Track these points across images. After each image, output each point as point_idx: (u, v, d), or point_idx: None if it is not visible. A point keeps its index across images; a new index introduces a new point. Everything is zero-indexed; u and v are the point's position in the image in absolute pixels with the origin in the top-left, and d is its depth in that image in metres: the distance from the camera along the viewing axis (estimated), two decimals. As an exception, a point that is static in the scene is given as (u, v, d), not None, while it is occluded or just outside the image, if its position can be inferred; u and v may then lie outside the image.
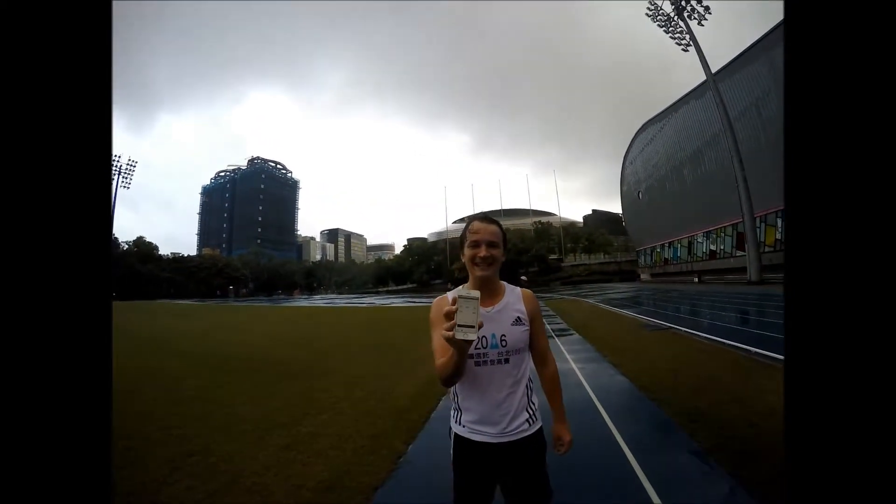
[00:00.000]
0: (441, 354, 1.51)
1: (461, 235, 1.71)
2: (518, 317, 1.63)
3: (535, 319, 1.69)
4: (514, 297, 1.69)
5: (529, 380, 1.65)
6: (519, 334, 1.61)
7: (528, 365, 1.67)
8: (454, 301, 1.29)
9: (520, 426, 1.58)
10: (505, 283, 1.73)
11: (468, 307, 1.26)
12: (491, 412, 1.57)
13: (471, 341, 1.26)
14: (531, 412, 1.63)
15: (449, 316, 1.28)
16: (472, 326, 1.25)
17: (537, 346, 1.72)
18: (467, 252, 1.63)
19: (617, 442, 3.85)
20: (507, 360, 1.58)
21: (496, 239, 1.63)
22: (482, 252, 1.59)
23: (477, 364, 1.57)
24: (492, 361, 1.57)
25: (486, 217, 1.70)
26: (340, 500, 3.01)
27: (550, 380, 1.76)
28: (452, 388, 1.64)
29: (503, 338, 1.58)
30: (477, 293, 1.28)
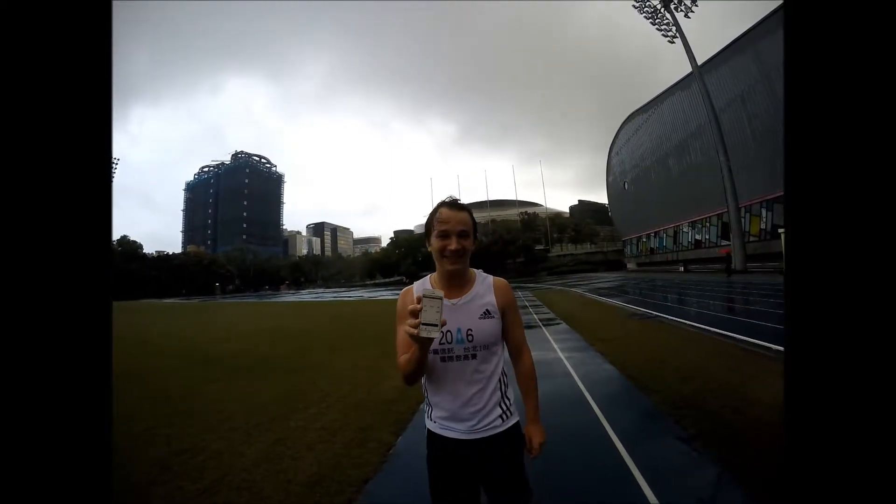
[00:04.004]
0: (403, 350, 1.49)
1: (427, 222, 1.59)
2: (487, 310, 1.55)
3: (508, 311, 1.61)
4: (484, 288, 1.60)
5: (503, 374, 1.59)
6: (487, 328, 1.53)
7: (501, 359, 1.60)
8: (419, 300, 1.31)
9: (491, 423, 1.52)
10: (477, 271, 1.65)
11: (432, 306, 1.30)
12: (460, 409, 1.51)
13: (432, 338, 1.31)
14: (504, 407, 1.56)
15: (414, 313, 1.29)
16: (436, 325, 1.29)
17: (511, 340, 1.64)
18: (435, 243, 1.53)
19: (605, 429, 3.90)
20: (473, 356, 1.52)
21: (467, 228, 1.52)
22: (452, 244, 1.49)
23: (443, 360, 1.52)
24: (458, 357, 1.51)
25: (455, 203, 1.57)
26: (330, 493, 3.01)
27: (525, 376, 1.67)
28: (423, 383, 1.60)
29: (469, 332, 1.51)
30: (440, 293, 1.32)
